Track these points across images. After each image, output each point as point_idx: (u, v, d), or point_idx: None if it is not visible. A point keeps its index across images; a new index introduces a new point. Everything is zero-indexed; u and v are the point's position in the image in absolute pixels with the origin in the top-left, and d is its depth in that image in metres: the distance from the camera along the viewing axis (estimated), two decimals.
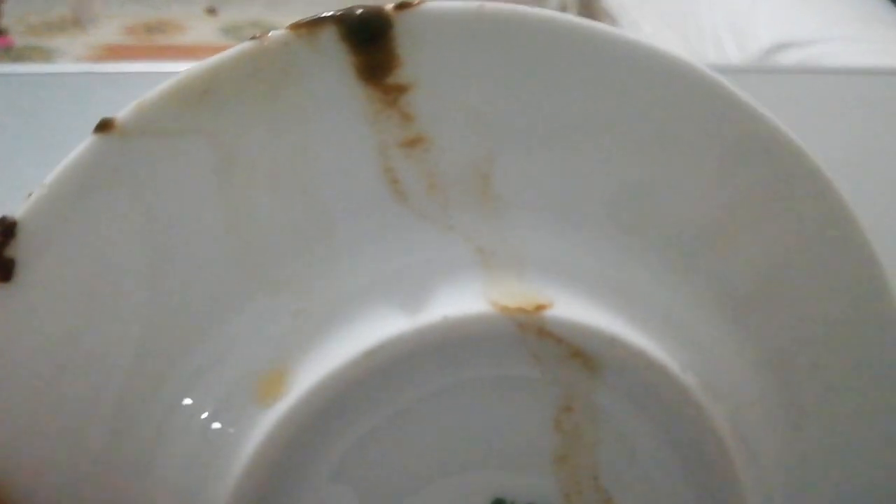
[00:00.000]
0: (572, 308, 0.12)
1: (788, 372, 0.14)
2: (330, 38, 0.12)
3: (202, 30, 1.53)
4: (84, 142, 0.11)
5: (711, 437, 0.12)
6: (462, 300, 0.11)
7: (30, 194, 0.11)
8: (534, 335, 0.12)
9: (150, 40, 1.48)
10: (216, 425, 0.11)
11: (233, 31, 1.50)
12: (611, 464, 0.12)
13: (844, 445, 0.14)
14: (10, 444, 0.12)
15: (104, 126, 0.11)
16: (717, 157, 0.13)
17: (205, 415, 0.11)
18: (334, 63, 0.12)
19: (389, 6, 0.12)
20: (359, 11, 0.12)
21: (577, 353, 0.12)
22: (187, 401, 0.11)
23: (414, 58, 0.12)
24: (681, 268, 0.13)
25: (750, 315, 0.13)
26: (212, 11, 1.68)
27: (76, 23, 1.46)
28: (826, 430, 0.14)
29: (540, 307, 0.12)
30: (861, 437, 0.14)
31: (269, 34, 0.12)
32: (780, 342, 0.14)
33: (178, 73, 0.12)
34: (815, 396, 0.14)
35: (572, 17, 0.12)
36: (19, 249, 0.11)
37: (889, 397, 0.14)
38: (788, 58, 0.75)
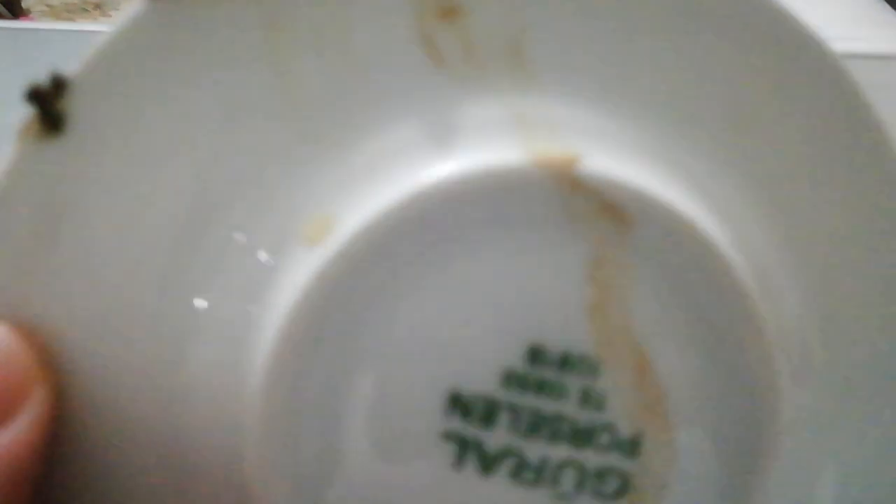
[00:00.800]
0: (605, 163, 0.12)
1: (812, 256, 0.14)
2: None
3: None
4: (137, 6, 0.12)
5: (738, 296, 0.12)
6: (500, 154, 0.12)
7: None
8: (567, 187, 0.12)
9: None
10: (267, 260, 0.12)
11: None
12: (644, 317, 0.12)
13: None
14: (69, 299, 0.12)
15: None
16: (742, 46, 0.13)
17: (257, 253, 0.12)
18: None
19: None
20: None
21: (609, 207, 0.12)
22: (240, 238, 0.12)
23: None
24: (712, 145, 0.13)
25: (777, 197, 0.14)
26: None
27: (97, 6, 1.49)
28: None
29: (573, 160, 0.12)
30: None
31: None
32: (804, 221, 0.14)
33: None
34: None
35: None
36: (72, 104, 0.12)
37: None
38: None
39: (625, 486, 0.13)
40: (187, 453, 0.12)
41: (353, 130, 0.12)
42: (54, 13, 1.47)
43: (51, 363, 0.12)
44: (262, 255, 0.12)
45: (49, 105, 0.12)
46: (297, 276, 0.11)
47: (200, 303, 0.12)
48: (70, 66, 0.12)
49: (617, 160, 0.13)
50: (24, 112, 0.12)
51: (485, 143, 0.12)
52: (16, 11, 1.41)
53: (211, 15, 0.12)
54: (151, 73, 0.12)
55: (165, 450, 0.12)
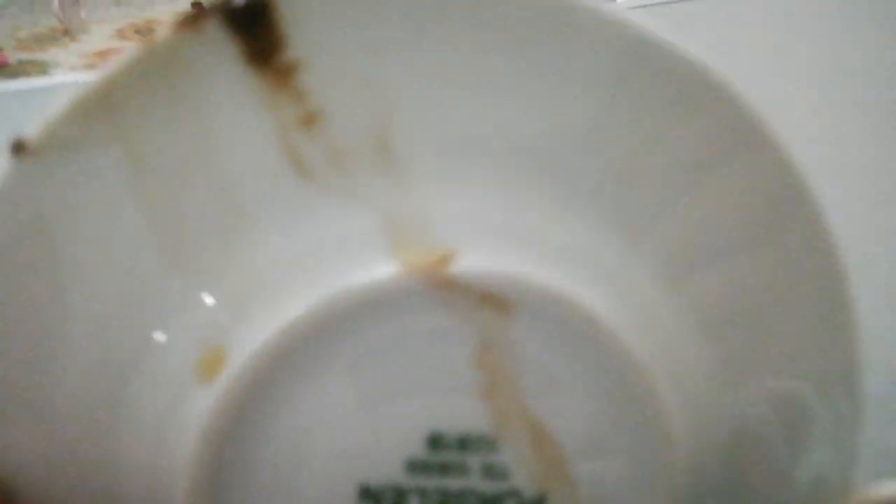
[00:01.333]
0: (478, 257, 0.13)
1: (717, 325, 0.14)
2: (214, 29, 0.12)
3: None
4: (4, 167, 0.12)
5: (631, 366, 0.13)
6: (369, 266, 0.12)
7: None
8: (442, 287, 0.12)
9: (142, 42, 1.46)
10: (168, 409, 0.13)
11: None
12: (536, 393, 0.13)
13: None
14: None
15: (18, 147, 0.12)
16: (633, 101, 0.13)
17: (157, 394, 0.13)
18: (222, 53, 0.12)
19: None
20: None
21: (488, 297, 0.13)
22: (139, 384, 0.13)
23: (300, 35, 0.12)
24: (603, 216, 0.14)
25: (683, 274, 0.14)
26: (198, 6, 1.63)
27: (65, 32, 1.45)
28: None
29: (444, 260, 0.12)
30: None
31: (157, 34, 0.12)
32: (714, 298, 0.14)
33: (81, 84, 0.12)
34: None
35: None
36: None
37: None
38: None
39: None
40: None
41: (227, 260, 0.13)
42: (22, 46, 1.43)
43: None
44: (162, 397, 0.13)
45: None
46: (197, 411, 0.12)
47: (121, 420, 0.13)
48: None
49: (492, 248, 0.13)
50: None
51: (356, 255, 0.13)
52: None
53: (75, 161, 0.12)
54: (35, 229, 0.12)
55: None
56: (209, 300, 0.13)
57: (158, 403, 0.13)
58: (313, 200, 0.13)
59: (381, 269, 0.12)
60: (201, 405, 0.12)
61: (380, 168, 0.13)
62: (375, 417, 0.13)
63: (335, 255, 0.13)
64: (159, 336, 0.13)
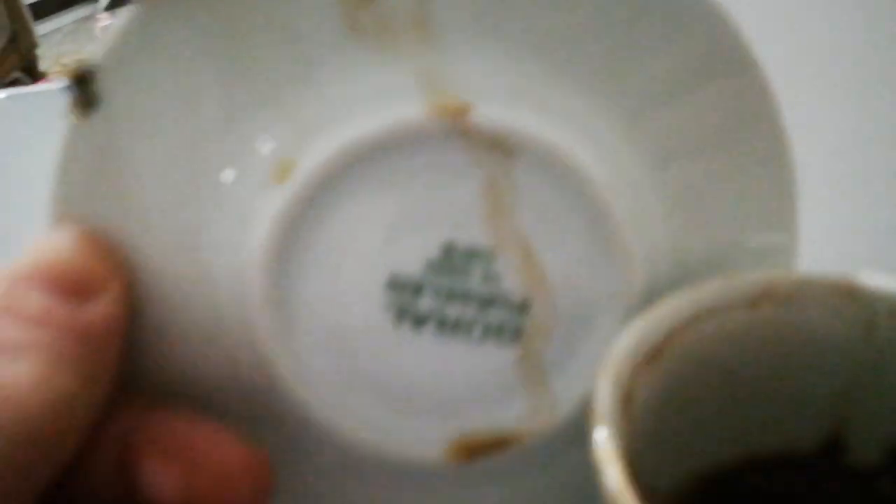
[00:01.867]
0: (492, 110, 0.16)
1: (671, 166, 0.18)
2: None
3: None
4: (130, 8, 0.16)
5: (605, 208, 0.17)
6: (405, 109, 0.16)
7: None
8: (461, 130, 0.16)
9: None
10: (248, 197, 0.17)
11: None
12: (528, 221, 0.17)
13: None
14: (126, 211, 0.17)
15: None
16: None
17: (243, 189, 0.17)
18: None
19: None
20: None
21: (496, 143, 0.17)
22: (229, 177, 0.17)
23: None
24: (591, 85, 0.17)
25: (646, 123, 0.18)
26: None
27: None
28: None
29: (464, 109, 0.16)
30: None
31: None
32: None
33: None
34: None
35: None
36: (99, 86, 0.16)
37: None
38: None
39: (518, 334, 0.18)
40: (215, 318, 0.18)
41: (297, 96, 0.17)
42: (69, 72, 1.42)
43: (119, 258, 0.17)
44: (256, 180, 0.17)
45: (83, 89, 0.16)
46: (272, 204, 0.17)
47: (212, 214, 0.17)
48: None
49: (504, 105, 0.17)
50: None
51: (396, 99, 0.16)
52: (35, 76, 1.37)
53: (176, 13, 0.16)
54: (152, 56, 0.16)
55: (199, 315, 0.18)
56: (282, 130, 0.17)
57: (243, 201, 0.17)
58: (364, 56, 0.16)
59: (414, 112, 0.16)
60: (276, 200, 0.16)
61: (419, 33, 0.16)
62: (404, 226, 0.17)
63: (378, 100, 0.16)
64: (229, 172, 0.17)
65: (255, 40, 0.16)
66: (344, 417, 0.18)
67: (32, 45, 1.42)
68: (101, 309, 0.16)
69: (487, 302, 0.18)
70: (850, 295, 0.17)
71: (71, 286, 0.16)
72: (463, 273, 0.17)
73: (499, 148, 0.17)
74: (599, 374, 0.16)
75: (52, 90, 0.58)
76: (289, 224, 0.17)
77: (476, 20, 0.17)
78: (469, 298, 0.18)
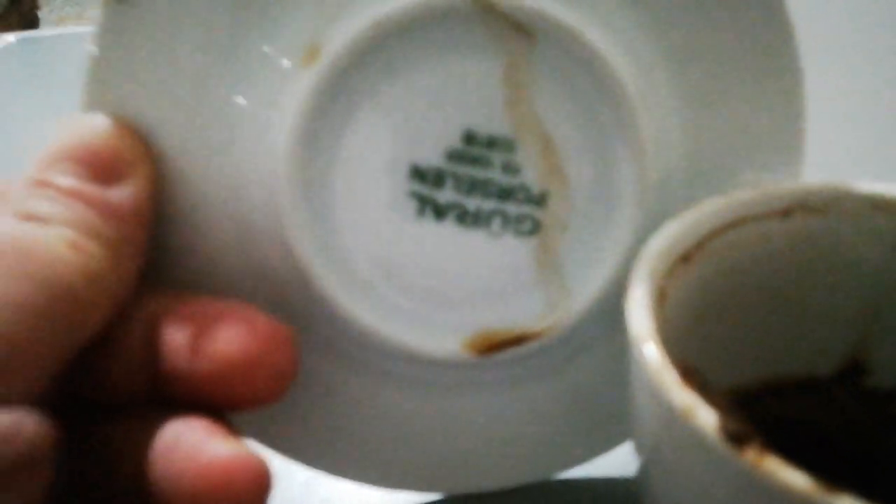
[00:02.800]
0: None
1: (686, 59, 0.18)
2: None
3: None
4: None
5: (618, 89, 0.17)
6: None
7: None
8: (485, 10, 0.16)
9: None
10: (276, 82, 0.17)
11: None
12: (547, 109, 0.17)
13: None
14: (153, 101, 0.17)
15: None
16: None
17: (280, 62, 0.17)
18: None
19: None
20: None
21: (519, 26, 0.16)
22: (268, 50, 0.17)
23: None
24: None
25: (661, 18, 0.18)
26: None
27: None
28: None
29: None
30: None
31: None
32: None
33: None
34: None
35: None
36: None
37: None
38: None
39: (536, 227, 0.18)
40: (244, 211, 0.17)
41: None
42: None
43: (147, 145, 0.17)
44: (285, 62, 0.17)
45: None
46: (299, 87, 0.16)
47: (240, 100, 0.17)
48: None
49: None
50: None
51: None
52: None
53: None
54: None
55: (228, 208, 0.18)
56: (308, 12, 0.17)
57: (271, 87, 0.17)
58: None
59: None
60: (303, 84, 0.16)
61: None
62: (425, 114, 0.17)
63: None
64: (257, 58, 0.17)
65: None
66: (368, 309, 0.18)
67: (34, 6, 1.41)
68: (128, 191, 0.16)
69: (507, 193, 0.18)
70: (885, 208, 0.17)
71: (101, 168, 0.16)
72: (484, 163, 0.17)
73: (522, 30, 0.16)
74: (635, 267, 0.16)
75: (62, 34, 0.58)
76: (316, 109, 0.16)
77: None
78: (489, 189, 0.18)
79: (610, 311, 0.18)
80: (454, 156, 0.17)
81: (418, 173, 0.17)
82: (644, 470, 0.15)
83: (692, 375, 0.14)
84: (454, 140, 0.17)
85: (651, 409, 0.14)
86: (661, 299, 0.16)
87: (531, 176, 0.18)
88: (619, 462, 0.22)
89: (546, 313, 0.18)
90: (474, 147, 0.17)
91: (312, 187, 0.17)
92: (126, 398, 0.16)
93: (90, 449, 0.16)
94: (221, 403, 0.16)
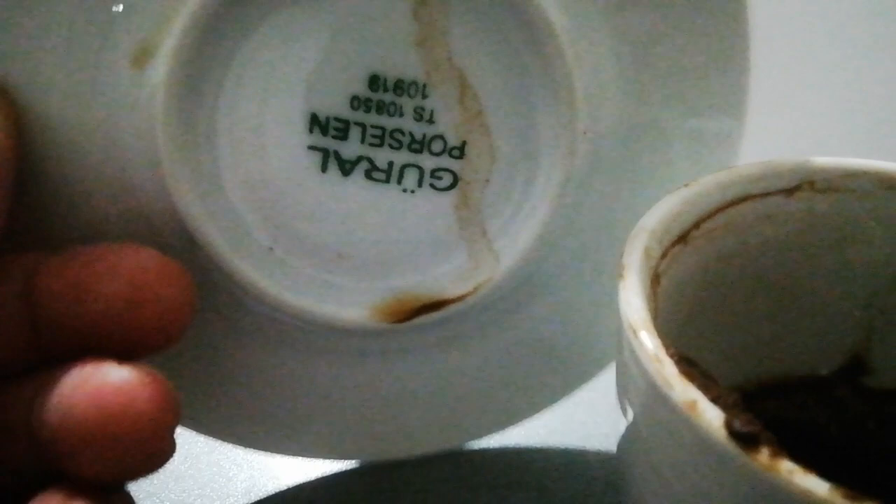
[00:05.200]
0: None
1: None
2: None
3: None
4: None
5: (551, 39, 0.15)
6: None
7: None
8: None
9: None
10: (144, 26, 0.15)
11: None
12: (463, 51, 0.15)
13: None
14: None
15: None
16: None
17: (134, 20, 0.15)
18: None
19: None
20: None
21: None
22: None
23: None
24: None
25: None
26: None
27: None
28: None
29: None
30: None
31: None
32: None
33: None
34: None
35: None
36: None
37: None
38: None
39: (455, 181, 0.16)
40: (120, 170, 0.15)
41: None
42: None
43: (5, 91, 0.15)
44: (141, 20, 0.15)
45: None
46: (171, 32, 0.14)
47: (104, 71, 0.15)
48: None
49: None
50: None
51: None
52: None
53: None
54: None
55: (103, 169, 0.15)
56: None
57: (138, 30, 0.15)
58: None
59: None
60: (177, 23, 0.14)
61: None
62: (324, 57, 0.15)
63: None
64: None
65: None
66: (266, 276, 0.16)
67: None
68: None
69: (421, 144, 0.16)
70: (893, 187, 0.15)
71: None
72: (392, 111, 0.15)
73: None
74: (626, 248, 0.14)
75: None
76: (193, 48, 0.14)
77: None
78: (400, 140, 0.16)
79: (538, 269, 0.17)
80: (359, 103, 0.15)
81: (318, 123, 0.15)
82: (632, 479, 0.14)
83: (694, 367, 0.12)
84: (357, 85, 0.15)
85: (646, 405, 0.12)
86: (654, 285, 0.14)
87: (448, 125, 0.16)
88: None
89: (468, 275, 0.16)
90: (381, 92, 0.15)
91: (194, 143, 0.15)
92: (7, 364, 0.14)
93: None
94: (112, 348, 0.14)
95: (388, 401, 0.19)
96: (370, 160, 0.16)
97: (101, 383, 0.12)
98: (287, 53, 0.15)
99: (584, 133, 0.16)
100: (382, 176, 0.16)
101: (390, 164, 0.16)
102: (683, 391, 0.11)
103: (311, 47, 0.15)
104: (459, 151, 0.16)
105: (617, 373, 0.14)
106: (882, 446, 0.18)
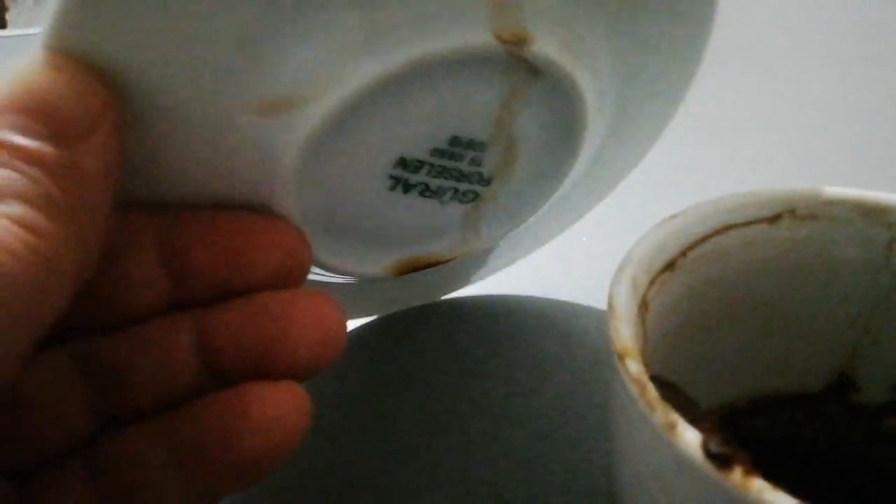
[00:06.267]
0: (545, 41, 0.17)
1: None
2: None
3: None
4: None
5: (583, 115, 0.19)
6: (468, 29, 0.16)
7: None
8: (517, 58, 0.17)
9: None
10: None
11: None
12: (524, 127, 0.19)
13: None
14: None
15: None
16: None
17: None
18: None
19: None
20: None
21: (533, 68, 0.18)
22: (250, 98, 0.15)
23: None
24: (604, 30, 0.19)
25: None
26: None
27: None
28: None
29: (526, 39, 0.17)
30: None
31: None
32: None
33: None
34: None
35: None
36: None
37: None
38: None
39: (475, 198, 0.21)
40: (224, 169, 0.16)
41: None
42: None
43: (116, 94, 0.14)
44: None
45: None
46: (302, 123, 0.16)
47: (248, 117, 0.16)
48: None
49: (553, 35, 0.17)
50: None
51: (462, 20, 0.16)
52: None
53: None
54: None
55: (216, 177, 0.16)
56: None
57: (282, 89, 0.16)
58: None
59: (479, 37, 0.16)
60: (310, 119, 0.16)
61: None
62: (424, 122, 0.18)
63: (442, 20, 0.16)
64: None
65: None
66: (317, 247, 0.19)
67: (2, 7, 1.40)
68: (95, 151, 0.14)
69: (465, 177, 0.21)
70: (874, 215, 0.16)
71: (63, 123, 0.13)
72: (457, 157, 0.20)
73: (533, 70, 0.18)
74: (616, 276, 0.15)
75: (31, 35, 0.57)
76: (339, 117, 0.16)
77: None
78: (453, 174, 0.20)
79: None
80: (437, 153, 0.19)
81: (403, 162, 0.19)
82: (623, 490, 0.15)
83: (675, 392, 0.13)
84: (441, 142, 0.19)
85: (632, 428, 0.13)
86: (642, 312, 0.15)
87: (488, 166, 0.20)
88: None
89: (456, 247, 0.23)
90: (455, 147, 0.19)
91: (317, 184, 0.18)
92: (147, 307, 0.16)
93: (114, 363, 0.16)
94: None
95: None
96: (427, 185, 0.20)
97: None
98: (398, 116, 0.17)
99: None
100: (431, 194, 0.21)
101: (439, 187, 0.20)
102: (664, 414, 0.12)
103: (418, 114, 0.18)
104: (488, 182, 0.21)
105: (607, 394, 0.15)
106: (871, 463, 0.18)
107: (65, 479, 0.15)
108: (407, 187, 0.20)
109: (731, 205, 0.16)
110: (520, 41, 0.17)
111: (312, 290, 0.17)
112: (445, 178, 0.20)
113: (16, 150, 0.13)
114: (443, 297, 0.29)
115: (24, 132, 0.13)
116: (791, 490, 0.11)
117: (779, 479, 0.11)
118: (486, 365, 0.25)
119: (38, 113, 0.13)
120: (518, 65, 0.17)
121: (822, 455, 0.18)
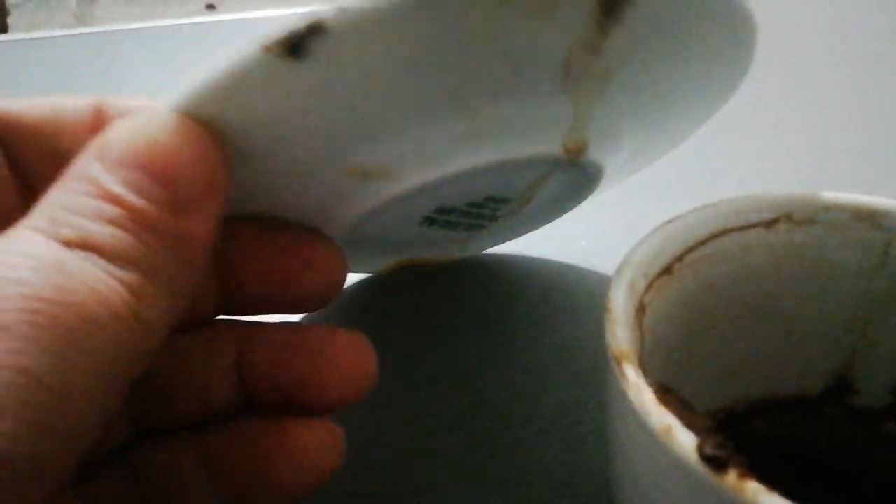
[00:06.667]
0: (596, 147, 0.19)
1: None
2: None
3: None
4: None
5: (597, 183, 0.23)
6: (545, 143, 0.19)
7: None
8: (571, 161, 0.19)
9: None
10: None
11: None
12: (546, 192, 0.22)
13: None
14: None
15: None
16: None
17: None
18: None
19: None
20: None
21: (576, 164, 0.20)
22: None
23: None
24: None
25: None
26: (211, 8, 1.66)
27: (77, 17, 1.46)
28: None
29: (585, 147, 0.19)
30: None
31: None
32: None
33: None
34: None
35: None
36: (318, 43, 0.13)
37: None
38: None
39: (480, 227, 0.24)
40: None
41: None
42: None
43: (233, 157, 0.14)
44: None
45: (299, 39, 0.13)
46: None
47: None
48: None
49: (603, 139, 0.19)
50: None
51: (540, 133, 0.18)
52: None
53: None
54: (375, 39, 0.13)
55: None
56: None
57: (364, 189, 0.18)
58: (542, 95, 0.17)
59: (552, 149, 0.19)
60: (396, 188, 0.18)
61: (600, 83, 0.17)
62: (467, 190, 0.20)
63: (529, 135, 0.18)
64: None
65: (469, 63, 0.15)
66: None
67: (3, 12, 1.41)
68: (203, 222, 0.13)
69: (482, 217, 0.23)
70: (870, 219, 0.16)
71: (180, 190, 0.13)
72: (483, 207, 0.22)
73: (574, 163, 0.20)
74: (614, 281, 0.15)
75: (32, 39, 0.58)
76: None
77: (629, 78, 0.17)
78: (473, 216, 0.22)
79: None
80: (471, 204, 0.21)
81: (441, 210, 0.21)
82: (621, 492, 0.15)
83: (671, 395, 0.13)
84: (477, 198, 0.21)
85: (628, 431, 0.13)
86: (639, 315, 0.15)
87: (503, 211, 0.23)
88: None
89: (447, 255, 0.27)
90: (487, 201, 0.21)
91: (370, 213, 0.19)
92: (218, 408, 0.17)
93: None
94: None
95: None
96: (450, 222, 0.23)
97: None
98: (456, 188, 0.19)
99: None
100: (448, 226, 0.23)
101: (458, 223, 0.23)
102: (660, 417, 0.12)
103: (472, 187, 0.20)
104: (495, 221, 0.24)
105: (606, 398, 0.15)
106: (870, 466, 0.19)
107: (99, 484, 0.16)
108: (432, 222, 0.22)
109: (728, 209, 0.16)
110: (580, 151, 0.19)
111: (349, 331, 0.18)
112: (466, 218, 0.22)
113: (133, 211, 0.12)
114: (441, 299, 0.29)
115: (141, 193, 0.12)
116: (789, 493, 0.11)
117: (777, 482, 0.11)
118: (486, 367, 0.25)
119: (160, 176, 0.13)
120: (567, 161, 0.19)
121: (822, 458, 0.19)
